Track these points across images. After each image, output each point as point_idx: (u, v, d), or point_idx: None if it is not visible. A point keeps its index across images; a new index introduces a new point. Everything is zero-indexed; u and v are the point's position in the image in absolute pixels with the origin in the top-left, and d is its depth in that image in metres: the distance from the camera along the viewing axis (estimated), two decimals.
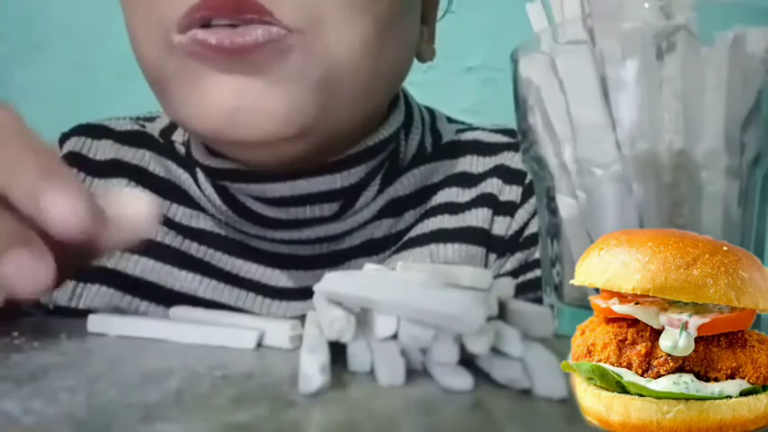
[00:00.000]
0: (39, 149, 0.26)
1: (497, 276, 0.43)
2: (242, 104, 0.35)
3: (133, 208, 0.28)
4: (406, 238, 0.47)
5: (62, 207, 0.24)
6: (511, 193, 0.47)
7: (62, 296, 0.44)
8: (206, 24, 0.34)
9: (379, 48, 0.37)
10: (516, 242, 0.47)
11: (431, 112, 0.52)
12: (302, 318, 0.27)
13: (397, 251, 0.46)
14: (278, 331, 0.26)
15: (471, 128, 0.52)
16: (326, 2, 0.35)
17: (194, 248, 0.46)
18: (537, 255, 0.46)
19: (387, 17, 0.37)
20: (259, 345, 0.26)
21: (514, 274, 0.46)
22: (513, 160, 0.49)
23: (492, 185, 0.48)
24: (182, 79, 0.36)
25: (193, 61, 0.35)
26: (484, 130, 0.52)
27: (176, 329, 0.27)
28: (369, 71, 0.38)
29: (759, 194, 0.29)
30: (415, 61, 0.45)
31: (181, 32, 0.35)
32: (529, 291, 0.45)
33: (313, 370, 0.20)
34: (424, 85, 0.61)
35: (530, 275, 0.46)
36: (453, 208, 0.47)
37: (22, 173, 0.25)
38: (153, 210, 0.28)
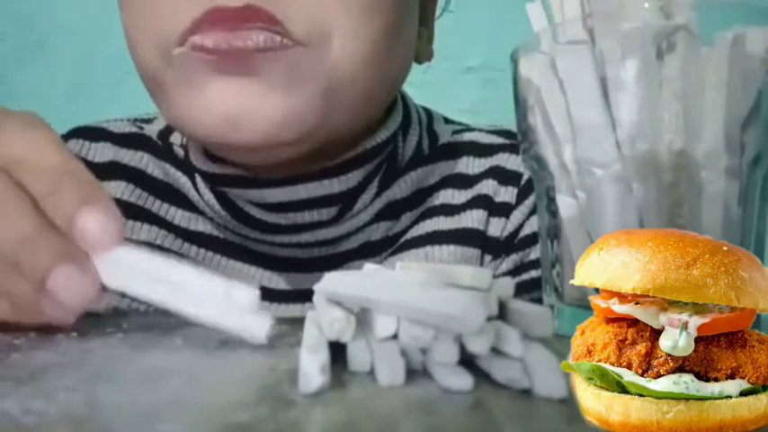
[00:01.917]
0: (74, 169, 0.28)
1: (496, 277, 0.43)
2: (240, 108, 0.35)
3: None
4: (402, 240, 0.47)
5: (96, 227, 0.26)
6: (506, 194, 0.47)
7: None
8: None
9: (382, 57, 0.38)
10: (511, 243, 0.47)
11: (428, 112, 0.52)
12: (301, 320, 0.27)
13: (394, 253, 0.46)
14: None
15: (468, 129, 0.52)
16: (334, 16, 0.35)
17: (193, 251, 0.46)
18: (533, 256, 0.46)
19: (390, 26, 0.37)
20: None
21: (510, 275, 0.46)
22: (508, 161, 0.49)
23: (487, 187, 0.48)
24: (179, 85, 0.36)
25: (191, 67, 0.35)
26: (480, 131, 0.52)
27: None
28: (371, 80, 0.38)
29: (759, 194, 0.29)
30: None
31: (180, 45, 0.35)
32: (525, 292, 0.44)
33: (313, 370, 0.20)
34: (424, 86, 0.61)
35: (525, 277, 0.46)
36: (449, 209, 0.47)
37: (59, 191, 0.27)
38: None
